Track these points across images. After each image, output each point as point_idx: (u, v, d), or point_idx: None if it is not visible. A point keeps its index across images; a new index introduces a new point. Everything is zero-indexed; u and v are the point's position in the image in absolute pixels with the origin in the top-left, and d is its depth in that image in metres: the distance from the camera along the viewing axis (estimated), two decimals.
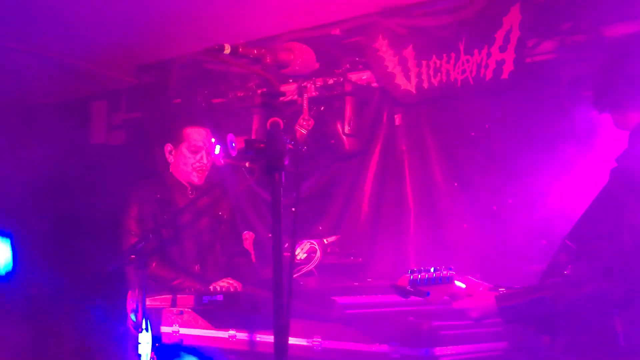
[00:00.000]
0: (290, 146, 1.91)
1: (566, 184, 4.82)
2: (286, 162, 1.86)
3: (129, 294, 4.98)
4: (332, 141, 5.70)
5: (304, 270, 4.26)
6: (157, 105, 6.77)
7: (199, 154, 5.05)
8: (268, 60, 2.24)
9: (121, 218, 5.01)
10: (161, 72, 6.81)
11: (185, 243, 5.01)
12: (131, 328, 4.89)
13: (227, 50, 2.19)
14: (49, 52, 6.56)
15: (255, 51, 2.24)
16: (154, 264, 4.68)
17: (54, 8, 5.66)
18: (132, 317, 4.89)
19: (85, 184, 7.22)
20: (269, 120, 2.00)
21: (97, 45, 6.42)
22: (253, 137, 6.28)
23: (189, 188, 5.10)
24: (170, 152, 5.11)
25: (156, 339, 4.31)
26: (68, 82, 7.24)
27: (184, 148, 5.06)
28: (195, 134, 5.09)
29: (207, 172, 5.10)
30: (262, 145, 1.95)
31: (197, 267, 5.01)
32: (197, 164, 5.05)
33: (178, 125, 5.14)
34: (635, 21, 4.71)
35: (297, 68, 2.32)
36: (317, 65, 2.41)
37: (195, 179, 5.07)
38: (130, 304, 4.95)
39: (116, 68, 6.94)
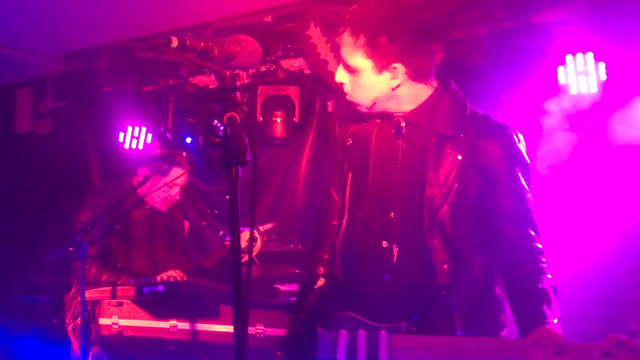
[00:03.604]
0: (247, 141, 1.91)
1: None
2: (247, 158, 1.87)
3: (69, 294, 4.89)
4: (267, 128, 5.70)
5: (245, 258, 4.26)
6: (85, 93, 6.65)
7: (174, 189, 5.10)
8: (215, 53, 2.24)
9: (70, 219, 4.95)
10: (89, 60, 6.68)
11: (134, 238, 5.01)
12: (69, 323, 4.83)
13: (175, 43, 2.17)
14: None
15: (202, 44, 2.23)
16: (93, 270, 4.66)
17: None
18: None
19: (11, 173, 7.06)
20: (226, 115, 2.00)
21: (22, 31, 6.26)
22: (169, 126, 6.27)
23: (149, 210, 5.11)
24: (144, 177, 5.02)
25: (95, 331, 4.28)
26: None
27: (162, 181, 5.04)
28: (178, 172, 5.09)
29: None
30: (218, 140, 1.96)
31: (145, 264, 5.02)
32: (169, 198, 5.11)
33: (160, 160, 5.14)
34: (562, 8, 4.82)
35: (243, 60, 2.33)
36: (261, 56, 2.41)
37: (162, 207, 5.11)
38: (69, 303, 4.87)
39: (42, 55, 6.78)
